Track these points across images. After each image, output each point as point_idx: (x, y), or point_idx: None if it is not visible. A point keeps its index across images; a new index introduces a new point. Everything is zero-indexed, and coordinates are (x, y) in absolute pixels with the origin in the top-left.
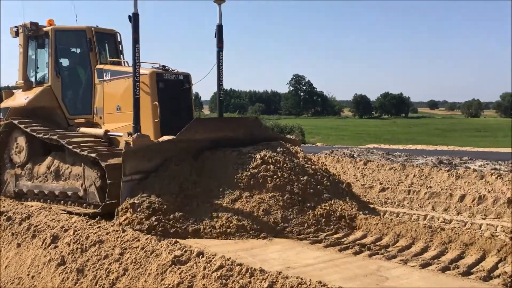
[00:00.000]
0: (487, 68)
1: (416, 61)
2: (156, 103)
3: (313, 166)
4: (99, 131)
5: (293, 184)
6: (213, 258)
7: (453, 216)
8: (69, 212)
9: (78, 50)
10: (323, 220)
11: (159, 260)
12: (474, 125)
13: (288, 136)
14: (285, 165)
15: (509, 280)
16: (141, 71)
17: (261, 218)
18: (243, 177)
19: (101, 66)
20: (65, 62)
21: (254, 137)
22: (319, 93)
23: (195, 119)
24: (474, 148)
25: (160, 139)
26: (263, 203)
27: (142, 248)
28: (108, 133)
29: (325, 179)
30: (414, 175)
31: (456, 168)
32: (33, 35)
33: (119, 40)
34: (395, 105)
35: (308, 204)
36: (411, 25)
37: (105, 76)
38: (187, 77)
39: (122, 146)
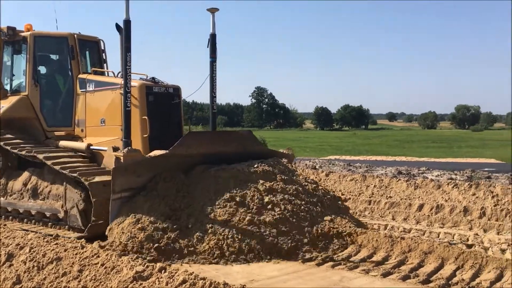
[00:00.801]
0: (443, 81)
1: (375, 74)
2: (146, 117)
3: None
4: (81, 145)
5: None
6: (175, 273)
7: (412, 225)
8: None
9: (59, 58)
10: None
11: (120, 276)
12: (431, 136)
13: (281, 150)
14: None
15: (467, 287)
16: (131, 83)
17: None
18: (235, 197)
19: (84, 76)
20: (44, 70)
21: (247, 152)
22: (281, 106)
23: (188, 133)
24: (431, 159)
25: (152, 154)
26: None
27: (102, 265)
28: (91, 147)
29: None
30: (375, 186)
31: (415, 178)
32: (9, 40)
33: (102, 48)
34: (355, 117)
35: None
36: (370, 39)
37: (89, 86)
38: (177, 90)
39: (106, 161)
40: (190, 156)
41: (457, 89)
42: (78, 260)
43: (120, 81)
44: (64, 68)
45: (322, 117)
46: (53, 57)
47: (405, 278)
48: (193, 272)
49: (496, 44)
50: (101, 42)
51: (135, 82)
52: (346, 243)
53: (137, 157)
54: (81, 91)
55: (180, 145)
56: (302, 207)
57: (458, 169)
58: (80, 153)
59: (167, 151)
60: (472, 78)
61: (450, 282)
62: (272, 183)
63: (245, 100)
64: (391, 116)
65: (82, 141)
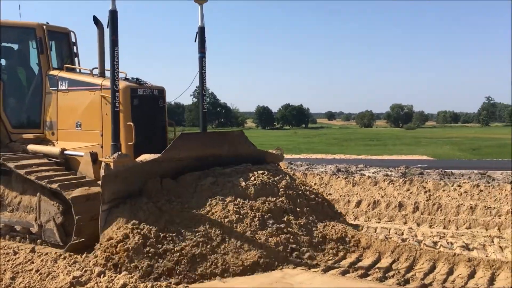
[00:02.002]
0: (379, 82)
1: (315, 74)
2: (131, 123)
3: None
4: (53, 149)
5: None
6: (115, 277)
7: (351, 221)
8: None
9: (24, 51)
10: None
11: (56, 282)
12: (368, 134)
13: (271, 151)
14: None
15: (402, 279)
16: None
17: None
18: (236, 208)
19: (55, 72)
20: (7, 64)
21: (238, 154)
22: (223, 105)
23: (181, 134)
24: (368, 156)
25: (142, 158)
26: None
27: (37, 271)
28: (65, 152)
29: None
30: (315, 183)
31: (353, 175)
32: None
33: (73, 40)
34: (296, 116)
35: None
36: (310, 41)
37: (61, 85)
38: (161, 92)
39: (83, 168)
40: (182, 160)
41: (392, 89)
42: (11, 267)
43: (101, 81)
44: (30, 63)
45: (264, 116)
46: (18, 50)
47: (344, 272)
48: (134, 275)
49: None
50: (72, 33)
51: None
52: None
53: (127, 162)
54: (52, 90)
55: (173, 149)
56: (303, 221)
57: (393, 166)
58: (51, 159)
59: (159, 155)
60: (405, 78)
61: (386, 275)
62: (274, 200)
63: (186, 99)
64: (330, 115)
65: (54, 145)
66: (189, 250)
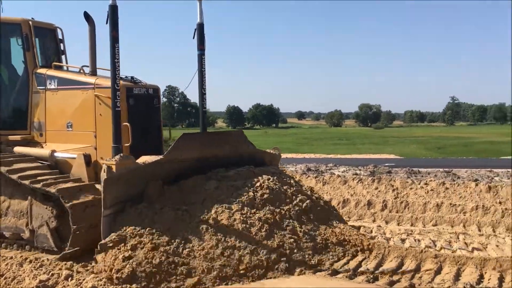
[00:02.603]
0: (348, 82)
1: (285, 74)
2: (127, 124)
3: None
4: (43, 151)
5: None
6: (83, 280)
7: None
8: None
9: (6, 48)
10: None
11: (22, 287)
12: (337, 134)
13: (269, 150)
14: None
15: (371, 276)
16: (106, 83)
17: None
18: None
19: (43, 71)
20: None
21: (239, 154)
22: (193, 105)
23: (183, 135)
24: (338, 155)
25: (143, 160)
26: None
27: (2, 275)
28: (56, 155)
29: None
30: None
31: (323, 174)
32: None
33: (60, 37)
34: (266, 116)
35: None
36: (280, 41)
37: (50, 84)
38: (156, 91)
39: (76, 171)
40: (184, 161)
41: (360, 89)
42: None
43: (94, 79)
44: (12, 61)
45: (234, 116)
46: (2, 47)
47: (316, 271)
48: (102, 278)
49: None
50: (58, 30)
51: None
52: None
53: (130, 165)
54: (40, 89)
55: (175, 149)
56: (309, 227)
57: (362, 165)
58: (40, 162)
59: (161, 157)
60: (373, 78)
61: (356, 273)
62: (281, 208)
63: None
64: (300, 115)
65: (42, 147)
66: (201, 260)
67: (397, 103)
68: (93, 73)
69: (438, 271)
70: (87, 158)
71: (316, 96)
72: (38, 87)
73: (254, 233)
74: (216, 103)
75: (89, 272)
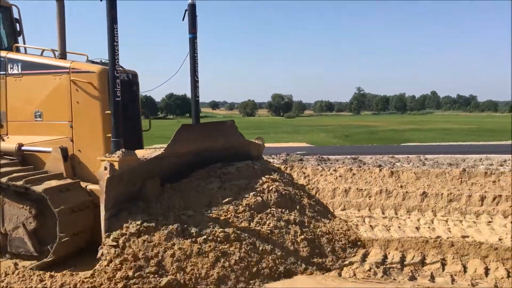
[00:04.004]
0: (261, 72)
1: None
2: (110, 112)
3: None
4: (7, 145)
5: None
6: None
7: None
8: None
9: None
10: None
11: None
12: (251, 123)
13: (253, 140)
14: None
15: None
16: (85, 67)
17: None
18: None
19: (3, 54)
20: None
21: (232, 146)
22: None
23: (182, 126)
24: None
25: (141, 155)
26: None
27: None
28: (24, 148)
29: None
30: None
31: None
32: None
33: (16, 17)
34: (180, 106)
35: None
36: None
37: (12, 68)
38: (135, 77)
39: (50, 166)
40: (182, 155)
41: (272, 80)
42: None
43: (69, 63)
44: None
45: (147, 105)
46: None
47: None
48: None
49: (307, 41)
50: (14, 8)
51: (92, 67)
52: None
53: (133, 161)
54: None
55: (175, 142)
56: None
57: (275, 153)
58: (6, 157)
59: (162, 151)
60: (285, 69)
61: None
62: (289, 214)
63: None
64: (214, 105)
65: (3, 140)
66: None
67: (308, 94)
68: (62, 56)
69: None
70: (64, 151)
71: (230, 86)
72: None
73: (265, 240)
74: None
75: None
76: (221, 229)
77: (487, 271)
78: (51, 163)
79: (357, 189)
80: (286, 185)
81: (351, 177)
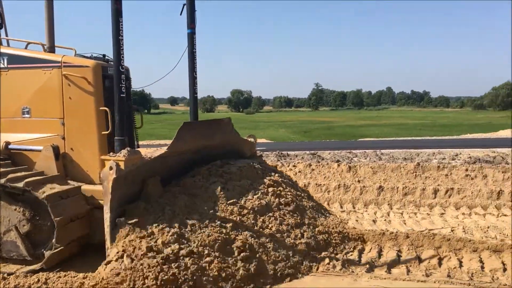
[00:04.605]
0: (219, 68)
1: (156, 59)
2: (106, 108)
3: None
4: None
5: None
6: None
7: None
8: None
9: None
10: None
11: None
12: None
13: (246, 138)
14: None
15: None
16: (78, 61)
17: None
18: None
19: None
20: None
21: (227, 143)
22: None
23: (184, 124)
24: None
25: (143, 154)
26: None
27: None
28: (11, 147)
29: None
30: None
31: None
32: None
33: None
34: (138, 102)
35: None
36: (151, 24)
37: None
38: (128, 72)
39: (41, 165)
40: (184, 153)
41: (232, 75)
42: None
43: (60, 57)
44: None
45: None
46: None
47: None
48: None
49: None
50: None
51: (86, 62)
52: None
53: (138, 161)
54: None
55: (178, 140)
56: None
57: None
58: None
59: (166, 150)
60: (244, 65)
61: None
62: (292, 216)
63: None
64: (173, 100)
65: None
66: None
67: (267, 89)
68: (51, 50)
69: None
70: (56, 150)
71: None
72: None
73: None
74: None
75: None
76: (226, 230)
77: (440, 261)
78: (42, 162)
79: (316, 184)
80: (287, 186)
81: (310, 173)
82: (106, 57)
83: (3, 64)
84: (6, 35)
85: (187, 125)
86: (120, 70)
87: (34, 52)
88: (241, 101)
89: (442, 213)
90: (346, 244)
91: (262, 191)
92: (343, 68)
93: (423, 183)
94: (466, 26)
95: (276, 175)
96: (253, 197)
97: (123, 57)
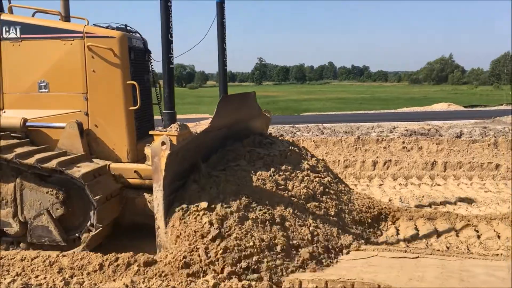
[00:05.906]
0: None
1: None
2: (134, 82)
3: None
4: (10, 120)
5: None
6: None
7: None
8: None
9: None
10: None
11: None
12: (153, 94)
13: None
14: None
15: None
16: (102, 32)
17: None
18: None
19: None
20: None
21: (251, 118)
22: None
23: (223, 97)
24: (156, 117)
25: (184, 129)
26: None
27: None
28: (28, 124)
29: None
30: None
31: None
32: None
33: None
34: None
35: None
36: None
37: (7, 32)
38: (147, 45)
39: (66, 143)
40: (221, 129)
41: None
42: None
43: (82, 27)
44: None
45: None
46: None
47: None
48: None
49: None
50: None
51: (111, 32)
52: None
53: (188, 136)
54: None
55: (219, 115)
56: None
57: None
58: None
59: (208, 124)
60: (185, 38)
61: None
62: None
63: None
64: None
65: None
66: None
67: (210, 64)
68: (66, 20)
69: None
70: (80, 126)
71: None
72: None
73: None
74: None
75: None
76: (281, 213)
77: (381, 229)
78: (66, 140)
79: None
80: (325, 170)
81: None
82: (128, 27)
83: (16, 34)
84: (9, 2)
85: (224, 99)
86: (169, 39)
87: (52, 21)
88: (184, 75)
89: (381, 184)
90: None
91: (308, 177)
92: (286, 43)
93: (363, 155)
94: (403, 2)
95: (313, 159)
96: (300, 184)
97: (171, 24)
